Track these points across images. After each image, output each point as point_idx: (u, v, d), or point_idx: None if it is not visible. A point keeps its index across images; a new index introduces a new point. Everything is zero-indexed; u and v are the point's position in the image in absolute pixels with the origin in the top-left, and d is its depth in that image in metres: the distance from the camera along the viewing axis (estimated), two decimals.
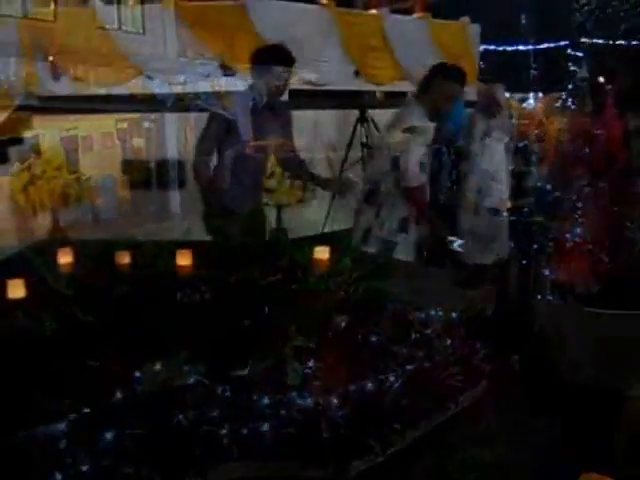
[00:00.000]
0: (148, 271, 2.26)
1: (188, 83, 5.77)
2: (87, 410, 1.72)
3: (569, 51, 8.55)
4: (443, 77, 3.66)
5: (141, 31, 5.96)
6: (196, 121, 5.26)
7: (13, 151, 5.27)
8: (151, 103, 5.91)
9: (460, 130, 4.59)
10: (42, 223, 5.38)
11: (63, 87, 5.60)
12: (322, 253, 2.31)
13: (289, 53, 3.49)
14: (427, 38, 7.67)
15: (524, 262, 4.26)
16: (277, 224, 4.21)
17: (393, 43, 7.35)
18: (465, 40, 8.31)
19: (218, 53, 5.93)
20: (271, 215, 4.11)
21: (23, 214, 5.35)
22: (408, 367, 2.01)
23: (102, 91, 5.68)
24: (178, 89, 5.74)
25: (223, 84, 5.66)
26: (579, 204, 3.84)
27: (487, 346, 2.22)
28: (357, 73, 7.14)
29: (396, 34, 7.36)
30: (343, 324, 2.10)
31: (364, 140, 6.31)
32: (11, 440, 1.63)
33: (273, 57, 3.48)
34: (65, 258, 2.34)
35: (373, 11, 7.91)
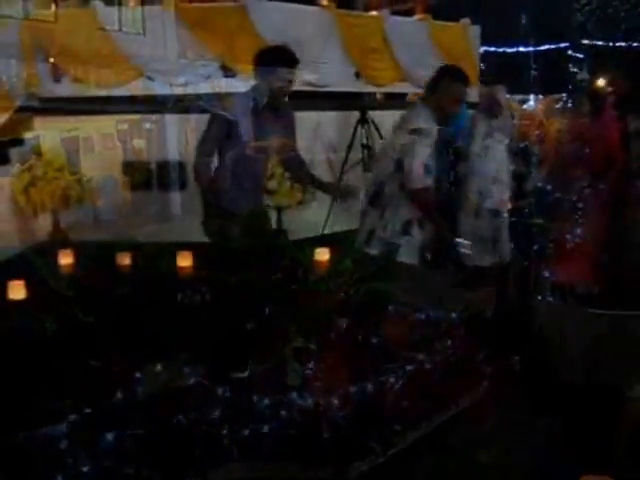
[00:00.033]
0: (149, 272, 2.26)
1: (189, 84, 5.79)
2: (88, 411, 1.72)
3: (569, 52, 8.58)
4: (450, 79, 3.64)
5: (142, 32, 5.97)
6: (197, 122, 5.26)
7: (14, 152, 5.28)
8: (152, 104, 5.93)
9: (462, 131, 4.59)
10: (43, 224, 5.39)
11: (64, 88, 5.62)
12: (322, 254, 2.31)
13: (293, 54, 3.49)
14: (427, 40, 7.68)
15: (525, 263, 4.26)
16: (277, 226, 4.22)
17: (393, 45, 7.35)
18: (466, 42, 8.32)
19: (219, 54, 5.95)
20: (271, 217, 4.11)
21: (24, 215, 5.36)
22: (408, 368, 2.02)
23: (103, 92, 5.69)
24: (179, 90, 5.77)
25: (224, 85, 5.68)
26: (579, 205, 3.85)
27: (488, 347, 2.23)
28: (357, 74, 7.15)
29: (396, 36, 7.36)
30: (344, 325, 2.10)
31: (364, 141, 6.31)
32: (12, 441, 1.63)
33: (277, 58, 3.47)
34: (66, 259, 2.33)
35: (373, 13, 7.93)
